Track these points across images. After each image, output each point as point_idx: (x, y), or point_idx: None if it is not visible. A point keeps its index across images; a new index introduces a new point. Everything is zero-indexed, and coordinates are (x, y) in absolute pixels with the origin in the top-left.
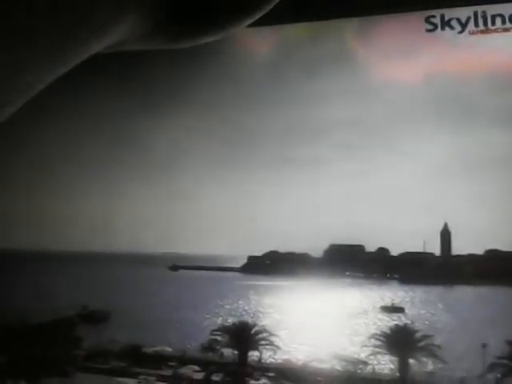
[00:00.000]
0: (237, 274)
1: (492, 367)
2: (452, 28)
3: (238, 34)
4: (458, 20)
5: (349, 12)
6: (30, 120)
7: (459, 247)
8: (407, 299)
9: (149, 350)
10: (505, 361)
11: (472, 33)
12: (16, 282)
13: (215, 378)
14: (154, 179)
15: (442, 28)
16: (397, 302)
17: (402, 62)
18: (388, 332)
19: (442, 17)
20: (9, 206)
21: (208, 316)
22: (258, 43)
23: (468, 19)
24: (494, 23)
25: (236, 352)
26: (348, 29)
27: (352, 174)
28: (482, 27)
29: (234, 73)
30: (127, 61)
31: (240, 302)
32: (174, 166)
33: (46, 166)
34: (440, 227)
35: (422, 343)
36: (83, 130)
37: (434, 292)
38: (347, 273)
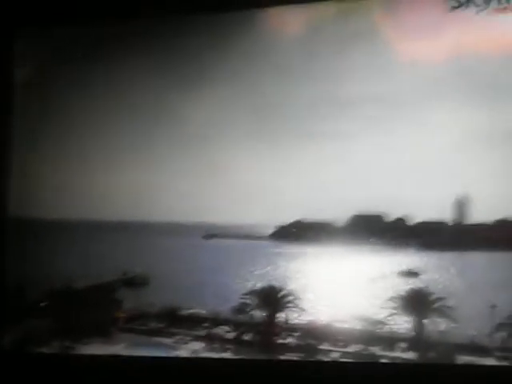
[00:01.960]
0: (265, 241)
1: (500, 327)
2: (476, 5)
3: (271, 12)
4: None
5: None
6: (76, 99)
7: (474, 217)
8: (423, 265)
9: (184, 312)
10: None
11: (494, 11)
12: (61, 250)
13: (245, 337)
14: (188, 152)
15: (466, 6)
16: (413, 267)
17: (426, 40)
18: (405, 295)
19: None
20: (55, 178)
21: (239, 281)
22: (289, 21)
23: None
24: None
25: (265, 314)
26: (375, 7)
27: (375, 146)
28: (504, 5)
29: (265, 49)
30: (162, 37)
31: (269, 268)
32: (207, 140)
33: (88, 141)
34: (456, 197)
35: (435, 305)
36: (123, 106)
37: (448, 258)
38: (368, 240)
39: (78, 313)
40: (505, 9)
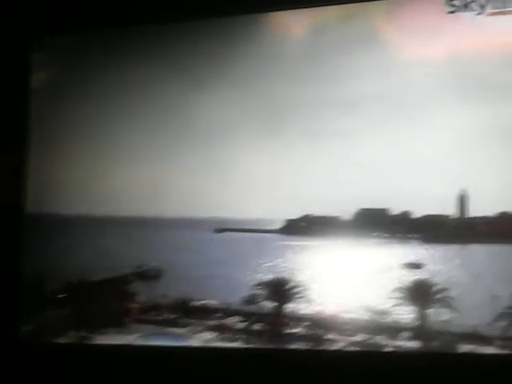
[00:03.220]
0: (275, 235)
1: (501, 316)
2: (472, 10)
3: (275, 16)
4: (477, 2)
5: None
6: (89, 101)
7: (475, 210)
8: (427, 256)
9: (196, 303)
10: None
11: (489, 14)
12: (78, 245)
13: (255, 327)
14: (198, 151)
15: (462, 10)
16: (418, 259)
17: (425, 42)
18: (409, 286)
19: (463, 0)
20: (71, 176)
21: (249, 273)
22: (293, 25)
23: (486, 2)
24: (509, 5)
25: (274, 304)
26: (377, 11)
27: (378, 144)
28: (498, 9)
29: (271, 53)
30: (171, 41)
31: (278, 260)
32: (216, 139)
33: (101, 140)
34: (458, 192)
35: (439, 295)
36: (134, 105)
37: (451, 250)
38: (374, 234)
39: (93, 305)
40: (500, 12)
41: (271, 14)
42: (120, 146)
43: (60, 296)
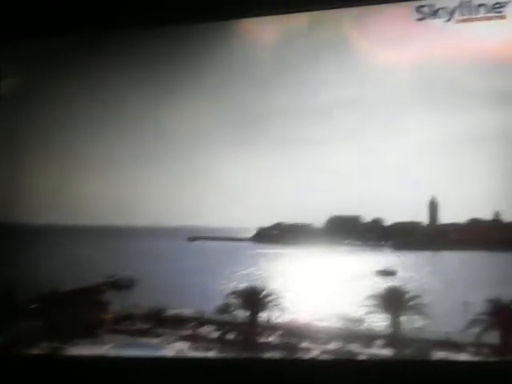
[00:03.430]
0: (249, 243)
1: (473, 323)
2: (440, 17)
3: (246, 24)
4: (446, 9)
5: (346, 2)
6: (61, 109)
7: (445, 217)
8: (399, 263)
9: (170, 312)
10: (484, 317)
11: (458, 21)
12: (49, 255)
13: (229, 336)
14: (173, 158)
15: (431, 17)
16: (390, 266)
17: (395, 49)
18: (382, 293)
19: (431, 7)
20: (39, 183)
21: (223, 281)
22: (264, 32)
23: (455, 8)
24: (477, 12)
25: (248, 313)
26: (346, 19)
27: (349, 151)
28: (466, 16)
29: (242, 61)
30: (145, 48)
31: (252, 269)
32: (191, 146)
33: (73, 148)
34: (428, 199)
35: (411, 302)
36: (108, 115)
37: (423, 257)
38: (346, 241)
39: (65, 315)
40: (468, 19)
41: (242, 20)
42: (91, 154)
43: (32, 307)
